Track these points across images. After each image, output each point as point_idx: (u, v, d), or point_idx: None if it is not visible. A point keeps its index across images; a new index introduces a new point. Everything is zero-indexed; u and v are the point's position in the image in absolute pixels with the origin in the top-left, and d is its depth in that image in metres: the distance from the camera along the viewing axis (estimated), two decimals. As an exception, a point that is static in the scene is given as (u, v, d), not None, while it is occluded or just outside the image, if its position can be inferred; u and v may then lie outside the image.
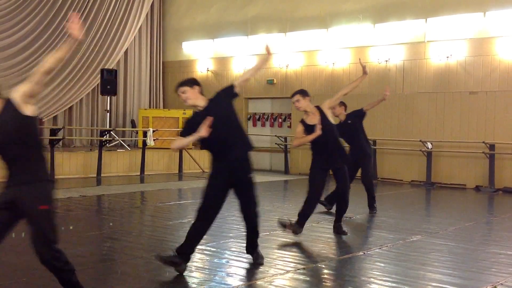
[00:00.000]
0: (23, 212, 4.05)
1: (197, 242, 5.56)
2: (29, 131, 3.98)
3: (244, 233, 5.93)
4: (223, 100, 5.52)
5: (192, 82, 5.51)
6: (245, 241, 6.00)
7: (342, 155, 7.28)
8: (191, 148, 16.74)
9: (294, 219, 7.36)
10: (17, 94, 3.93)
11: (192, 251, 5.54)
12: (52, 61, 3.95)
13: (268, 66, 17.29)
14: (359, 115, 9.38)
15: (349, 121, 9.28)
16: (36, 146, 4.07)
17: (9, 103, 3.92)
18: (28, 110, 3.96)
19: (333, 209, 9.34)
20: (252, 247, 5.89)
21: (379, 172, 14.85)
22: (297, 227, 7.25)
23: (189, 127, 5.37)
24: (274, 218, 8.54)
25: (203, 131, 5.06)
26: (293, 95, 7.09)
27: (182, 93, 5.45)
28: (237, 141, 5.45)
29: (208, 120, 5.06)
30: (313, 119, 7.03)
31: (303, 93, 7.10)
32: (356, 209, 9.42)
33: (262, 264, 5.79)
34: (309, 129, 7.00)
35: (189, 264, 5.57)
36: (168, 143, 16.76)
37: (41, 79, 3.90)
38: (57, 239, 4.15)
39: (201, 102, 5.48)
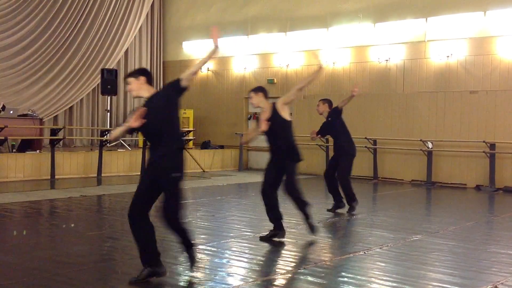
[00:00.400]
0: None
1: (153, 243, 5.17)
2: None
3: (245, 233, 5.94)
4: (166, 93, 5.26)
5: (138, 72, 5.29)
6: (244, 241, 5.99)
7: (290, 152, 7.09)
8: (191, 148, 16.75)
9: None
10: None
11: (155, 254, 5.18)
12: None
13: (268, 66, 17.30)
14: (336, 112, 9.34)
15: (329, 119, 9.31)
16: None
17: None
18: None
19: (328, 209, 9.35)
20: (185, 246, 5.40)
21: (379, 171, 14.84)
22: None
23: (130, 118, 5.13)
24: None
25: (131, 121, 4.91)
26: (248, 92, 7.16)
27: (127, 84, 5.27)
28: (166, 137, 5.14)
29: (139, 111, 4.89)
30: (265, 115, 7.05)
31: (256, 90, 7.20)
32: (357, 209, 9.41)
33: (191, 268, 5.40)
34: None
35: (189, 263, 5.54)
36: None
37: None
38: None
39: (145, 93, 5.25)
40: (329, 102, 9.45)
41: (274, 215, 7.02)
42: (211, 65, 18.75)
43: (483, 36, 13.63)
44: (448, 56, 14.03)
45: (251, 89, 7.30)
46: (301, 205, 7.13)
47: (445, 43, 14.08)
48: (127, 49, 18.96)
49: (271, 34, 17.22)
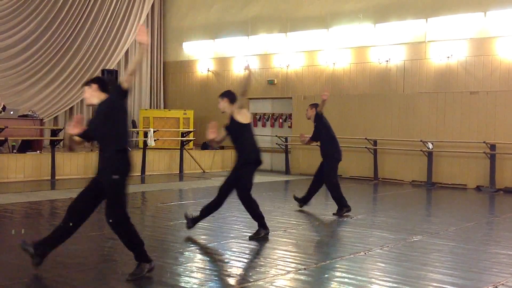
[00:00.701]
0: None
1: (59, 242, 5.40)
2: None
3: (245, 234, 5.93)
4: (110, 99, 5.29)
5: (91, 81, 5.43)
6: (244, 241, 5.98)
7: (241, 156, 7.10)
8: (191, 149, 16.75)
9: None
10: None
11: (50, 250, 5.36)
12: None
13: (268, 66, 17.30)
14: (317, 117, 9.26)
15: (315, 123, 9.27)
16: None
17: None
18: None
19: (330, 211, 9.35)
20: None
21: (379, 172, 14.85)
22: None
23: (68, 125, 5.39)
24: (275, 218, 8.55)
25: (69, 129, 5.14)
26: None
27: (84, 93, 5.45)
28: (109, 141, 5.27)
29: (75, 118, 5.10)
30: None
31: (222, 95, 7.28)
32: (357, 210, 9.41)
33: (130, 277, 5.20)
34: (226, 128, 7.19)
35: (190, 264, 5.56)
36: (169, 143, 16.78)
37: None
38: None
39: (95, 100, 5.34)
40: (317, 107, 9.38)
41: (258, 215, 7.13)
42: (211, 65, 18.76)
43: (483, 36, 13.63)
44: (448, 57, 14.04)
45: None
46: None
47: (446, 43, 14.08)
48: (128, 49, 18.97)
49: (272, 34, 17.23)
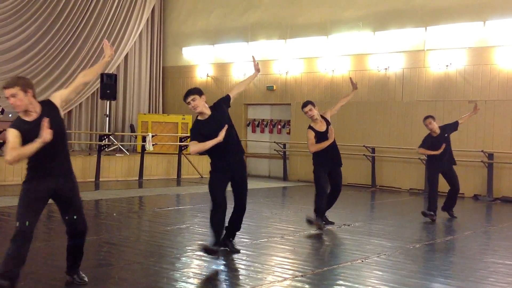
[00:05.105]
0: (63, 197, 4.96)
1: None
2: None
3: (242, 240, 5.92)
4: (224, 108, 6.31)
5: (199, 91, 6.18)
6: (242, 247, 5.95)
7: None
8: (189, 154, 16.72)
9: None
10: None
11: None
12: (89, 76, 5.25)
13: (268, 73, 17.32)
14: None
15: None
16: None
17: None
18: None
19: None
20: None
21: (377, 179, 14.84)
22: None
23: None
24: (273, 224, 8.54)
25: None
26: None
27: (194, 101, 6.09)
28: (237, 148, 6.33)
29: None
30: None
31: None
32: (354, 217, 9.41)
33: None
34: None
35: (186, 270, 5.55)
36: (167, 148, 16.77)
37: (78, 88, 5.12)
38: None
39: (206, 110, 6.19)
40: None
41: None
42: (210, 71, 18.78)
43: (482, 46, 13.67)
44: (447, 65, 14.07)
45: (308, 101, 8.14)
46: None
47: (445, 52, 14.11)
48: (127, 54, 18.99)
49: (271, 41, 17.25)
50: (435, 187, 9.71)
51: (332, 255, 7.10)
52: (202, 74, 18.92)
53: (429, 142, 9.76)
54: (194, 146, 6.08)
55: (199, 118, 6.20)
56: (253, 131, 17.88)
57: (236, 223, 6.59)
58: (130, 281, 5.42)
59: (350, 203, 11.97)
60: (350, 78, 8.55)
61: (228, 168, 6.23)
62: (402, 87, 14.85)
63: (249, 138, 17.81)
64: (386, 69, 15.04)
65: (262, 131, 17.67)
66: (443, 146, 9.56)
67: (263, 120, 17.71)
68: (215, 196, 6.14)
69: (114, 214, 9.34)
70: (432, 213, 9.54)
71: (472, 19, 13.75)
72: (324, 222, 8.23)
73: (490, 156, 13.16)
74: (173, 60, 19.91)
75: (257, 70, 6.96)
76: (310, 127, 8.09)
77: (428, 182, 10.22)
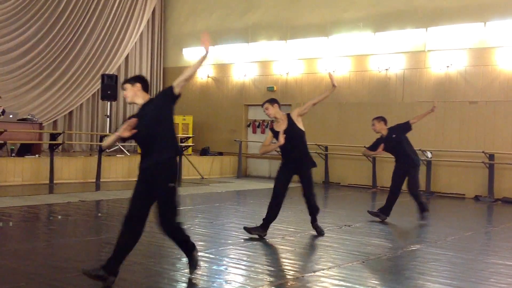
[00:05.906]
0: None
1: (127, 253, 5.13)
2: None
3: (243, 241, 5.92)
4: (159, 101, 5.24)
5: (135, 79, 5.28)
6: (242, 248, 5.97)
7: (307, 160, 8.02)
8: (190, 154, 16.74)
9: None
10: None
11: (119, 264, 5.07)
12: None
13: (268, 73, 17.32)
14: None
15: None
16: None
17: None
18: None
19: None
20: None
21: (378, 180, 14.83)
22: (261, 231, 7.52)
23: (121, 127, 5.15)
24: (273, 225, 8.52)
25: (121, 131, 5.04)
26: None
27: (124, 90, 5.29)
28: (158, 145, 5.20)
29: (129, 122, 5.01)
30: (282, 127, 7.71)
31: (272, 101, 7.72)
32: (355, 218, 9.40)
33: (192, 273, 5.39)
34: None
35: (187, 270, 5.54)
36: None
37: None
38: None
39: (139, 100, 5.24)
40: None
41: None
42: (211, 71, 18.78)
43: (483, 47, 13.67)
44: (448, 66, 14.07)
45: (265, 100, 7.74)
46: (313, 209, 7.83)
47: (445, 53, 14.11)
48: (128, 55, 18.99)
49: (272, 41, 17.26)
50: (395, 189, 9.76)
51: (333, 255, 7.10)
52: (202, 74, 18.92)
53: (377, 143, 9.66)
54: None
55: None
56: (254, 131, 17.88)
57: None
58: (131, 281, 5.41)
59: (350, 204, 11.96)
60: (329, 73, 8.09)
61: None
62: (403, 88, 14.85)
63: (250, 138, 17.81)
64: (386, 70, 15.03)
65: (263, 132, 17.66)
66: (381, 146, 9.31)
67: (263, 120, 17.70)
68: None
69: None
70: (383, 215, 9.47)
71: (472, 20, 13.75)
72: (263, 233, 7.55)
73: (491, 157, 13.16)
74: (174, 61, 19.91)
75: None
76: (270, 127, 7.82)
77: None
